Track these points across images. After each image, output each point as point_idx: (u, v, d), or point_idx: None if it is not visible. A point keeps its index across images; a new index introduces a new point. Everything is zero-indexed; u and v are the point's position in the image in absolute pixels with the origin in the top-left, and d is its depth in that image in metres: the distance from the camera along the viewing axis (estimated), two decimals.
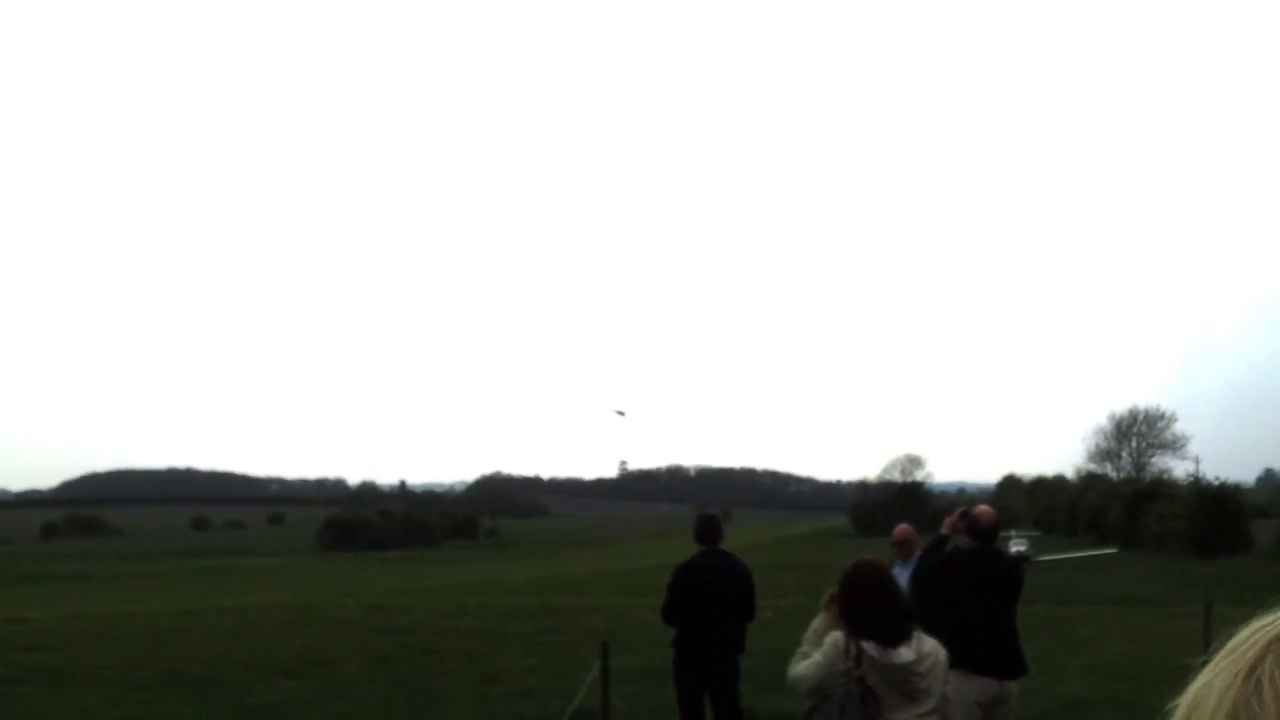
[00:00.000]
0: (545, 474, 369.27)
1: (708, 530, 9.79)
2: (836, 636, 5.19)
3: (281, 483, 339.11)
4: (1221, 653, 0.79)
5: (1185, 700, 0.79)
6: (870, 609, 5.15)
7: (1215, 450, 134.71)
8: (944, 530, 8.69)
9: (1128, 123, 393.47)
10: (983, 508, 8.91)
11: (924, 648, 5.15)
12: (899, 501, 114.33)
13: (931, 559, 8.61)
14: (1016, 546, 42.39)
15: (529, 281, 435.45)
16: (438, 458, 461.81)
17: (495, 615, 26.49)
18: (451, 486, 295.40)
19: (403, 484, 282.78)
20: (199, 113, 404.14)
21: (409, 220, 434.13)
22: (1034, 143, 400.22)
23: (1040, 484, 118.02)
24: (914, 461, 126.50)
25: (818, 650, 5.22)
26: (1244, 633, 0.79)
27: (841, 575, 5.38)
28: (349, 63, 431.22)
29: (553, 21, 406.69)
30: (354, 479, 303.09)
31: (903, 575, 9.28)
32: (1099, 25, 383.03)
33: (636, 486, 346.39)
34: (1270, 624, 0.78)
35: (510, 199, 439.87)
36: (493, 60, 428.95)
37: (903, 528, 11.38)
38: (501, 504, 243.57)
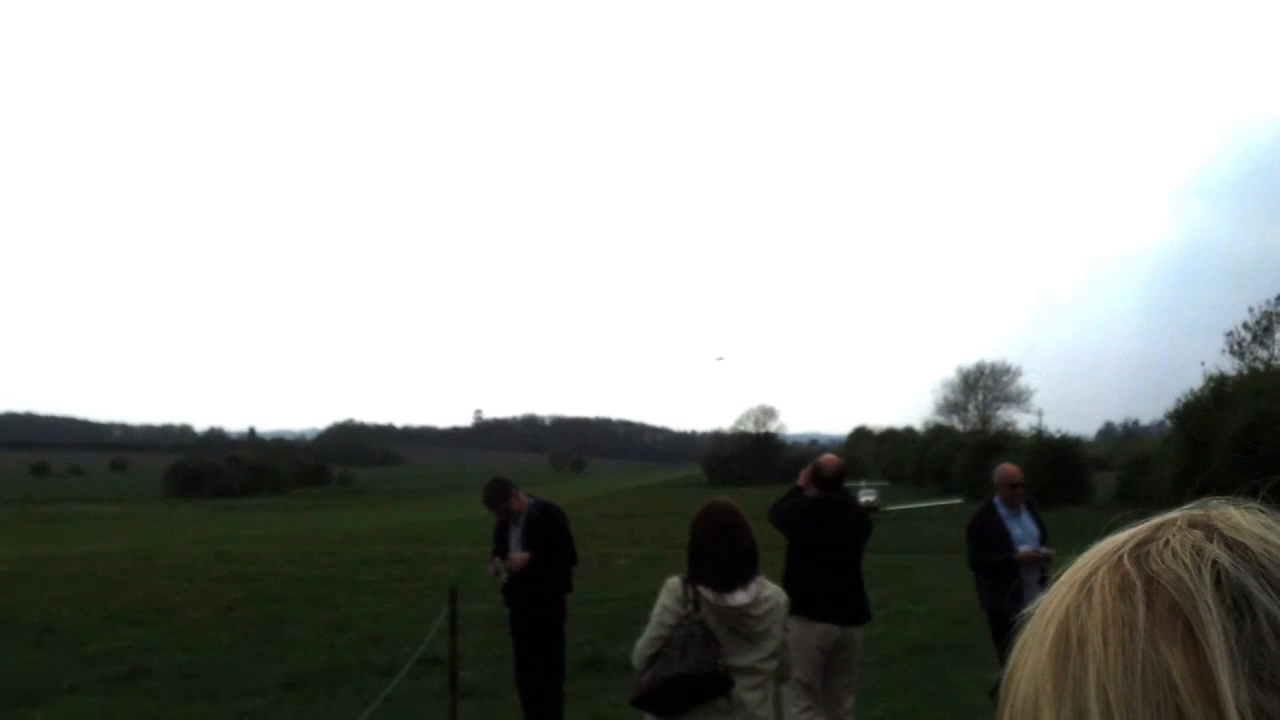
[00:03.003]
0: (399, 422, 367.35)
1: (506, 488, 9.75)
2: (674, 581, 5.20)
3: (125, 428, 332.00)
4: (1069, 569, 0.87)
5: (1034, 608, 0.87)
6: (711, 552, 5.17)
7: (1057, 404, 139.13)
8: (800, 482, 8.79)
9: (976, 91, 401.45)
10: (828, 456, 9.01)
11: (763, 592, 5.16)
12: (753, 452, 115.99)
13: (784, 505, 8.71)
14: (866, 496, 43.12)
15: (382, 226, 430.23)
16: (289, 405, 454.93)
17: (344, 563, 26.28)
18: (303, 434, 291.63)
19: (252, 431, 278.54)
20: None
21: (264, 162, 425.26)
22: (886, 103, 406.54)
23: (889, 436, 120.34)
24: (767, 413, 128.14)
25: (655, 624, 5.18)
26: (1089, 551, 0.87)
27: (693, 517, 5.38)
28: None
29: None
30: (201, 425, 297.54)
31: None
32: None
33: (492, 435, 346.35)
34: (1111, 542, 0.86)
35: (357, 143, 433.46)
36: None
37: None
38: (354, 452, 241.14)
